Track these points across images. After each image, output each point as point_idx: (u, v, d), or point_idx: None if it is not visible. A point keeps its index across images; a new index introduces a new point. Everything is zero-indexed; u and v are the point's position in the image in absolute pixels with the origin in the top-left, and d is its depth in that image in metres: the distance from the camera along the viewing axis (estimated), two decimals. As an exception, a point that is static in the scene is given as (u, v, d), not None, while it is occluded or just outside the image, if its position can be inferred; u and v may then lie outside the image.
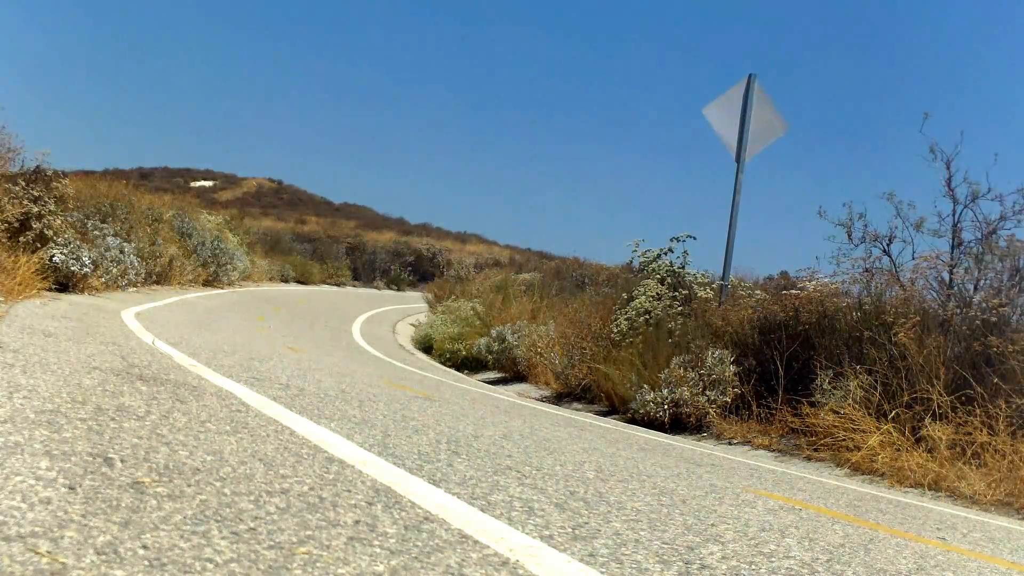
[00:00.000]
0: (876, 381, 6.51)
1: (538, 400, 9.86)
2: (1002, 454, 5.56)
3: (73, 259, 10.06)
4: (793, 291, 8.08)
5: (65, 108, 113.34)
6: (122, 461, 2.17)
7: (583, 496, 2.95)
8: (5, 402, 2.66)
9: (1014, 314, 6.61)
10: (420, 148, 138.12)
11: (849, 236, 7.83)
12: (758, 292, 9.11)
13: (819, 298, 7.69)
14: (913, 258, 7.58)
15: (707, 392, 7.73)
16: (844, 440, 6.25)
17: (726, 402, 7.65)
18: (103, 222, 13.69)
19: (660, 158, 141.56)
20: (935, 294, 7.23)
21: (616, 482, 3.47)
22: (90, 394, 3.15)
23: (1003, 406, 5.80)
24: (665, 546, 2.38)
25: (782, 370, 7.40)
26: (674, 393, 7.80)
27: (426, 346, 16.35)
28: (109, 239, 12.87)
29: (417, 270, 40.50)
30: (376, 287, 37.43)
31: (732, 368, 7.75)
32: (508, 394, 9.82)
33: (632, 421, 8.10)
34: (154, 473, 2.11)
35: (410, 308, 24.79)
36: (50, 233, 9.79)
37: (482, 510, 2.41)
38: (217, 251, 19.94)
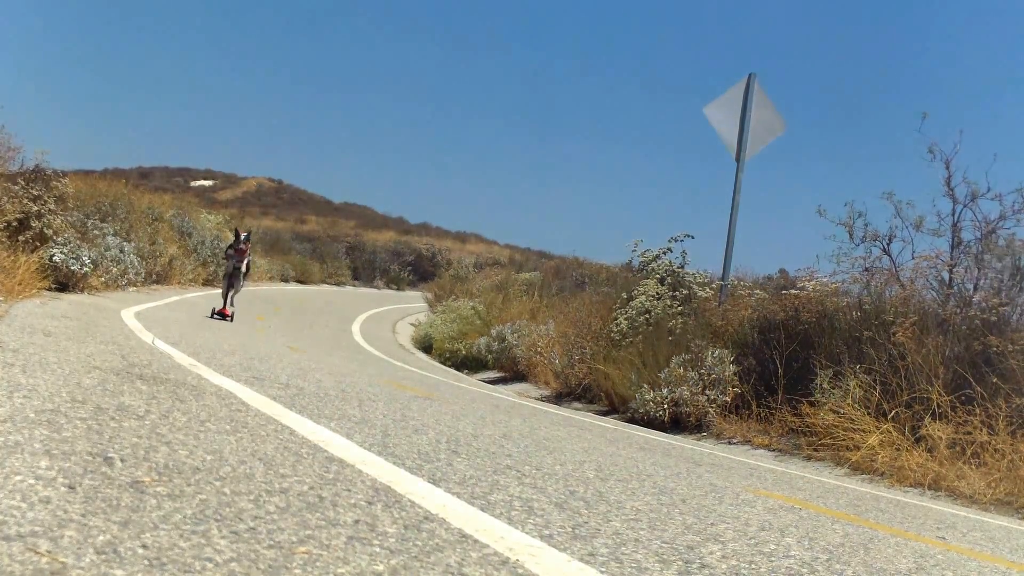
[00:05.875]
0: (876, 381, 6.51)
1: (538, 400, 9.86)
2: (1002, 453, 5.56)
3: (73, 258, 10.06)
4: (793, 290, 8.08)
5: (65, 107, 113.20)
6: (122, 460, 2.17)
7: (583, 495, 2.95)
8: (5, 401, 2.65)
9: (1014, 314, 6.61)
10: (420, 148, 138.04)
11: (851, 235, 7.84)
12: (758, 291, 9.11)
13: (819, 297, 7.69)
14: (913, 257, 7.59)
15: (707, 391, 7.73)
16: (844, 440, 6.25)
17: (726, 401, 7.66)
18: (103, 221, 13.69)
19: (660, 158, 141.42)
20: (935, 294, 7.23)
21: (616, 481, 3.47)
22: (90, 393, 3.15)
23: (1003, 405, 5.80)
24: (665, 545, 2.38)
25: (782, 369, 7.40)
26: (674, 392, 7.80)
27: (426, 346, 16.36)
28: (109, 238, 12.88)
29: (417, 270, 40.48)
30: (376, 287, 37.43)
31: (732, 367, 7.75)
32: (508, 393, 9.83)
33: (632, 420, 8.10)
34: (154, 472, 2.11)
35: (410, 308, 24.80)
36: (50, 232, 9.79)
37: (482, 509, 2.40)
38: (217, 250, 19.92)
